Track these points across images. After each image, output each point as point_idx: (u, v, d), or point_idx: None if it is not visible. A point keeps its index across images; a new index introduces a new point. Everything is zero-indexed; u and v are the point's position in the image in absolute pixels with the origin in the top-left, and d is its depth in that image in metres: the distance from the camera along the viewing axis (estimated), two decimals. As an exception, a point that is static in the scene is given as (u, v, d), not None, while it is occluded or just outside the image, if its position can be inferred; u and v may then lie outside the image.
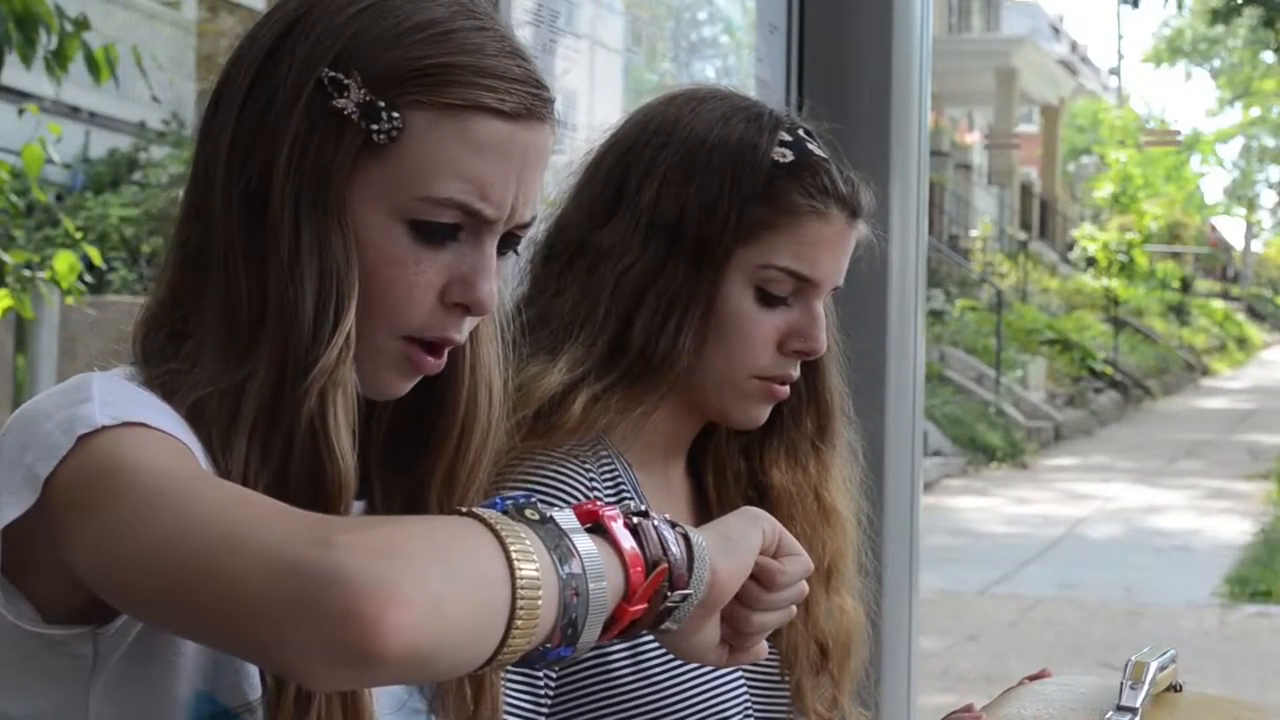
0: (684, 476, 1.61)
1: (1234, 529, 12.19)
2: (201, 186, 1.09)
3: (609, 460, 1.51)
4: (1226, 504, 13.58)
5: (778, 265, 1.49)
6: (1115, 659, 7.68)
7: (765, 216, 1.48)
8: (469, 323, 1.13)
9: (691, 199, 1.48)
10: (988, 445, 15.90)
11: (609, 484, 1.50)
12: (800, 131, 1.53)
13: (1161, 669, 1.53)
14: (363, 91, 1.05)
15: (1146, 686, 1.49)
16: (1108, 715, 1.47)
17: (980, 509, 13.10)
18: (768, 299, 1.50)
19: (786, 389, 1.54)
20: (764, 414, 1.55)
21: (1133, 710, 1.47)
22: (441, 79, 1.06)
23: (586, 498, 1.46)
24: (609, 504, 1.05)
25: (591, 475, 1.48)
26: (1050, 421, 18.22)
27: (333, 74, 1.06)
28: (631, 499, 1.51)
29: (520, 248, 1.16)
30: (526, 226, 1.13)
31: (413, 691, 1.21)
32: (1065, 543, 11.66)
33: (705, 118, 1.52)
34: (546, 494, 1.45)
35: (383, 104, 1.05)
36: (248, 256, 1.07)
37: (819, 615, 1.57)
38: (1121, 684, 1.49)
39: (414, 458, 1.19)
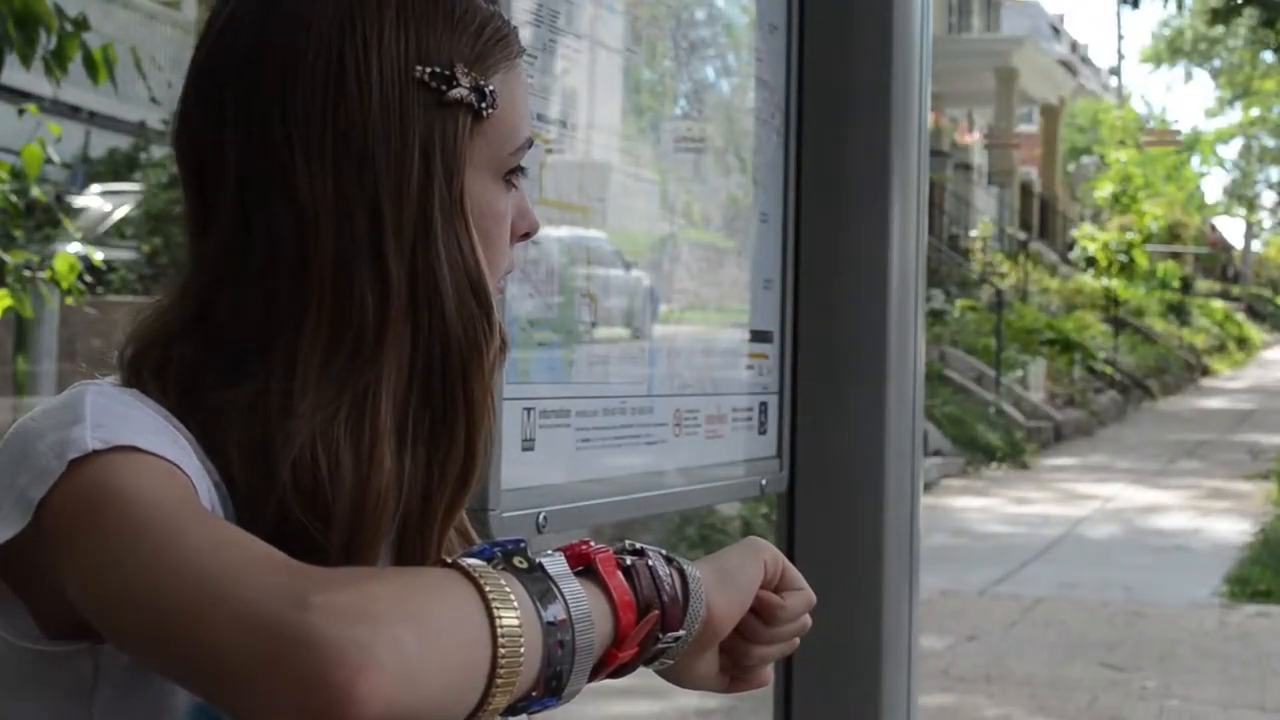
0: None
1: (1234, 529, 12.18)
2: (286, 219, 1.07)
3: None
4: (1226, 504, 13.57)
5: None
6: (1115, 659, 7.69)
7: None
8: None
9: None
10: (988, 445, 15.89)
11: None
12: None
13: None
14: (468, 73, 1.09)
15: None
16: None
17: (980, 509, 13.09)
18: None
19: None
20: None
21: None
22: (499, 41, 1.12)
23: None
24: (602, 546, 1.05)
25: None
26: (1050, 421, 18.21)
27: (430, 69, 1.08)
28: None
29: None
30: None
31: None
32: (1065, 543, 11.66)
33: None
34: None
35: (482, 80, 1.10)
36: (373, 264, 1.06)
37: None
38: None
39: None
